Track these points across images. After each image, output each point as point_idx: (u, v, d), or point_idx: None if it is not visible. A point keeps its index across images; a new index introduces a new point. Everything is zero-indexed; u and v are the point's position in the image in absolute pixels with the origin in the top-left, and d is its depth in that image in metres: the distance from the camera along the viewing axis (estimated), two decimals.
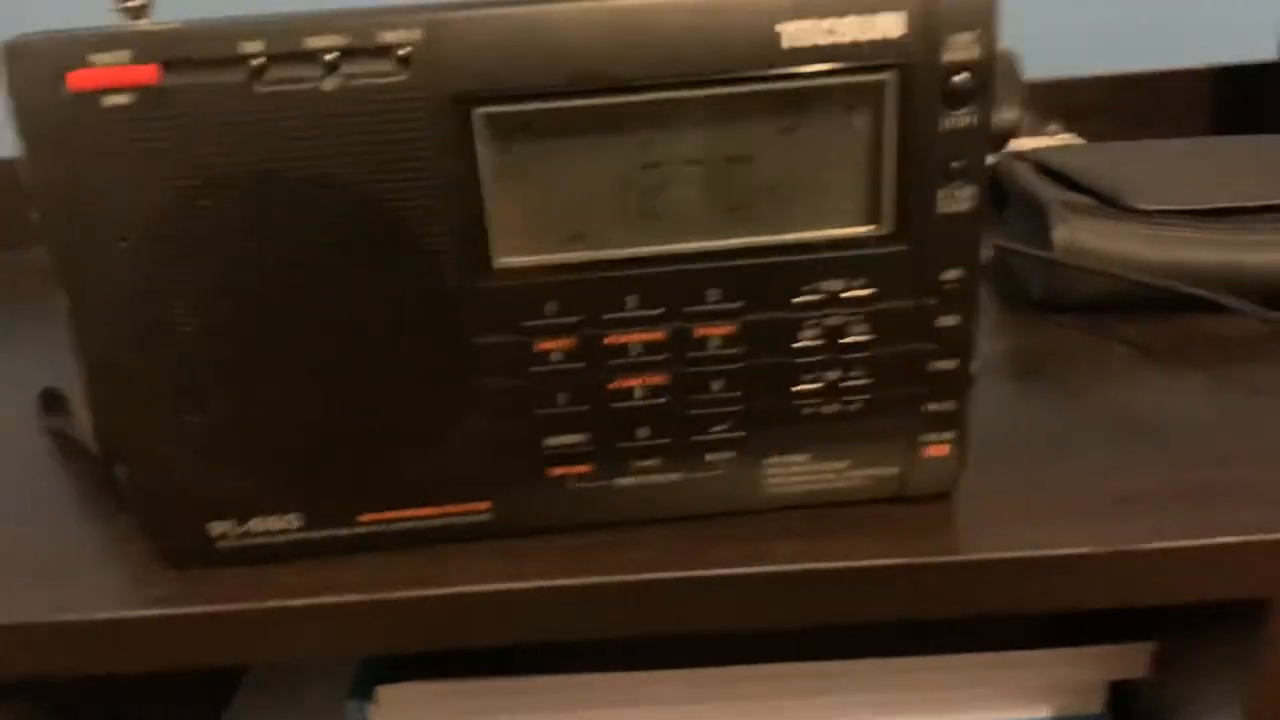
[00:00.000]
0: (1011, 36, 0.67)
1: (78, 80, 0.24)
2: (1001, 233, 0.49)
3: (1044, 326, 0.44)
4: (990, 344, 0.43)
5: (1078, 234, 0.45)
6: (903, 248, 0.27)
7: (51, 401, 0.41)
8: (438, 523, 0.30)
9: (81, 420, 0.38)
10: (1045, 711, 0.39)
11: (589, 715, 0.38)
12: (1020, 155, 0.56)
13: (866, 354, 0.28)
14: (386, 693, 0.38)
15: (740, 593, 0.29)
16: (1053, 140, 0.72)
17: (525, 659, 0.38)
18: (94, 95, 0.24)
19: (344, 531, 0.30)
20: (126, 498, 0.30)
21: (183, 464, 0.28)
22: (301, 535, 0.30)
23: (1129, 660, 0.38)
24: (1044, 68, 0.72)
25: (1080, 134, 0.71)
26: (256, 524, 0.29)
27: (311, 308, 0.26)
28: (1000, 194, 0.53)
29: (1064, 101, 0.72)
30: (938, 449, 0.30)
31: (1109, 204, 0.47)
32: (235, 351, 0.27)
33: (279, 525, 0.29)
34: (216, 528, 0.29)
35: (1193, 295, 0.42)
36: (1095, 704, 0.39)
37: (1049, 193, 0.48)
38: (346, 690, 0.38)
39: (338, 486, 0.29)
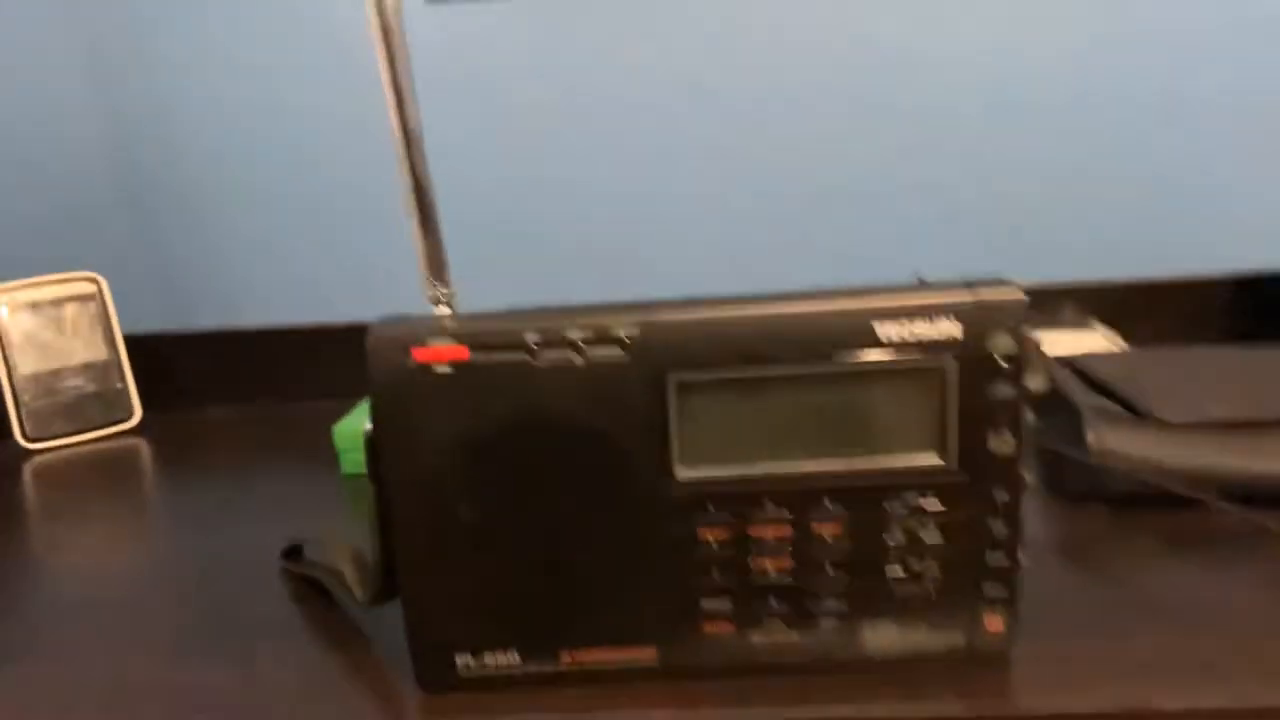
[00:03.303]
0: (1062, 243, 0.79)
1: (420, 354, 0.37)
2: (1046, 430, 0.59)
3: (1081, 516, 0.54)
4: (1037, 529, 0.53)
5: (1107, 440, 0.55)
6: (964, 477, 0.38)
7: (293, 553, 0.54)
8: (617, 664, 0.40)
9: (322, 570, 0.50)
10: None
11: None
12: (1063, 361, 0.67)
13: (939, 550, 0.39)
14: None
15: None
16: (1092, 334, 0.83)
17: None
18: (429, 365, 0.37)
19: (549, 667, 0.40)
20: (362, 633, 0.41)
21: (447, 611, 0.39)
22: (518, 669, 0.40)
23: None
24: (1086, 271, 0.84)
25: (1117, 330, 0.82)
26: (488, 658, 0.40)
27: (549, 506, 0.38)
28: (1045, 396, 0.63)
29: (1103, 302, 0.83)
30: (994, 624, 0.40)
31: (1135, 413, 0.57)
32: (492, 534, 0.38)
33: (504, 660, 0.40)
34: (461, 659, 0.40)
35: (1196, 498, 0.51)
36: None
37: (1085, 399, 0.59)
38: None
39: (547, 632, 0.40)
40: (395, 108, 0.36)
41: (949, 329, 0.37)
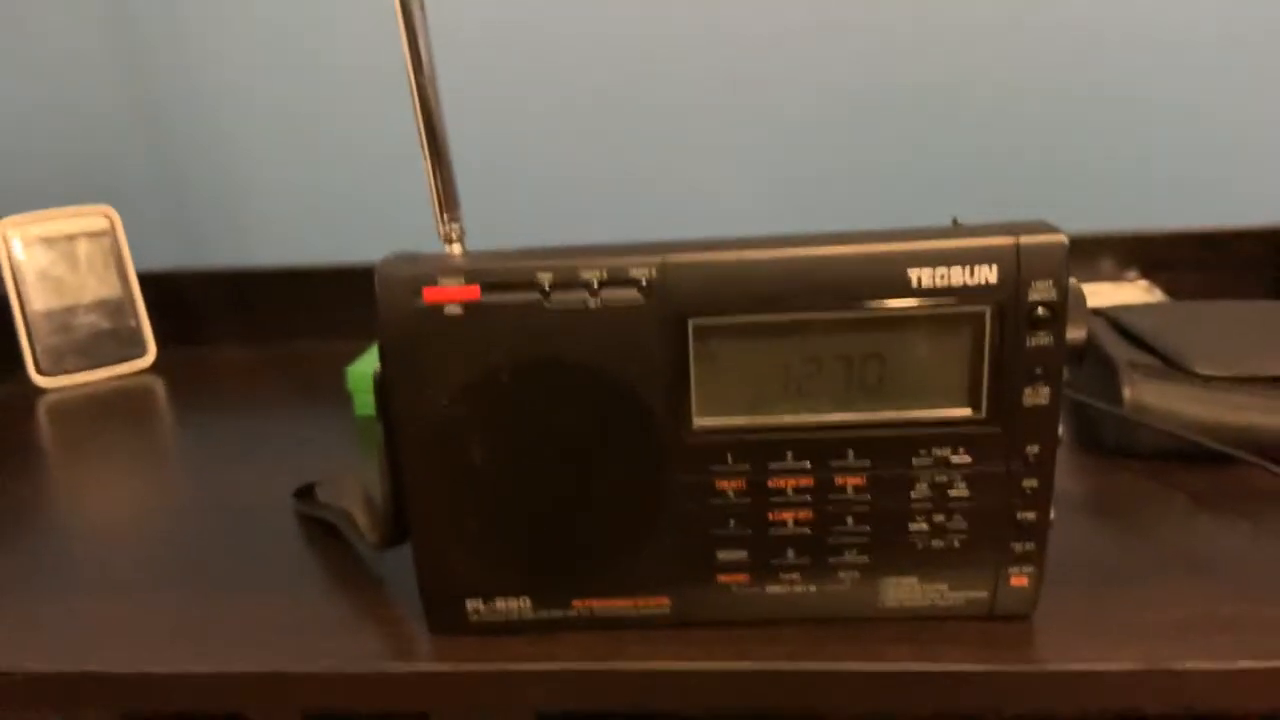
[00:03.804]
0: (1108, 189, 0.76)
1: (431, 295, 0.35)
2: (1079, 384, 0.57)
3: (1115, 471, 0.52)
4: (1070, 484, 0.51)
5: (1143, 394, 0.53)
6: (996, 429, 0.36)
7: (305, 493, 0.53)
8: (630, 612, 0.40)
9: (331, 512, 0.49)
10: None
11: None
12: (1097, 312, 0.65)
13: (966, 505, 0.37)
14: None
15: (857, 684, 0.38)
16: (1131, 286, 0.81)
17: None
18: (439, 305, 0.35)
19: (560, 614, 0.40)
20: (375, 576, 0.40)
21: (458, 556, 0.38)
22: (529, 615, 0.40)
23: None
24: (1127, 220, 0.81)
25: (1156, 282, 0.79)
26: (500, 604, 0.39)
27: (562, 452, 0.37)
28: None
29: (1144, 253, 0.80)
30: (1020, 580, 0.38)
31: (1173, 366, 0.55)
32: (505, 480, 0.37)
33: (515, 606, 0.39)
34: (472, 604, 0.39)
35: (1232, 455, 0.49)
36: None
37: (1120, 352, 0.57)
38: None
39: (559, 579, 0.39)
40: (406, 36, 0.34)
41: (986, 275, 0.35)
